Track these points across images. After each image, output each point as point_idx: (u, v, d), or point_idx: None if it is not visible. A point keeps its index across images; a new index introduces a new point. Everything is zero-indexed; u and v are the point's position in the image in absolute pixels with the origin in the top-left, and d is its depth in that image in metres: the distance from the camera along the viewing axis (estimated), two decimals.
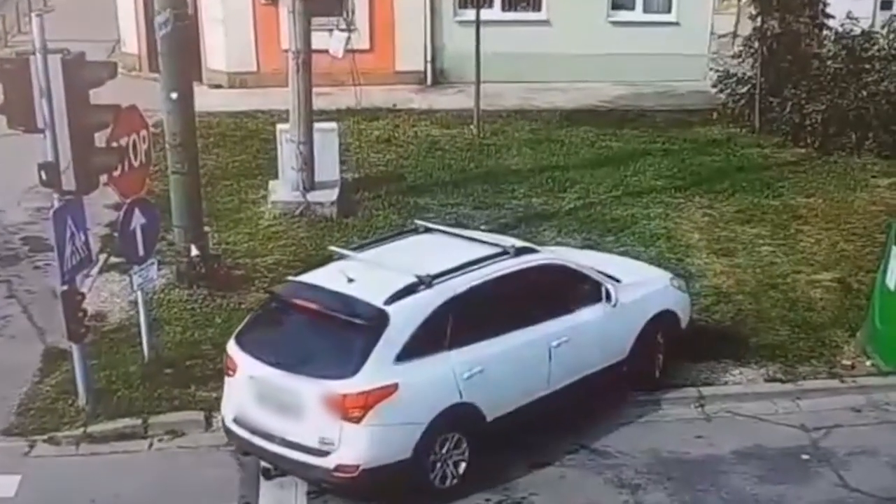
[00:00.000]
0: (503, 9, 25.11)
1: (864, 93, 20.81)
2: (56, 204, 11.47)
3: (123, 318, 14.10)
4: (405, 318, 10.60)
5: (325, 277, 11.27)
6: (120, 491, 11.01)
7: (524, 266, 11.66)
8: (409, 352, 10.52)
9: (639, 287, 12.74)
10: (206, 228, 15.21)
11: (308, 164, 17.58)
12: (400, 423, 10.38)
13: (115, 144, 11.86)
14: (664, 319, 12.75)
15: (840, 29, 21.93)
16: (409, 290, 10.79)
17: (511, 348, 11.21)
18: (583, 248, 16.32)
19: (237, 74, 24.60)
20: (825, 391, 13.01)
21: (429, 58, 25.07)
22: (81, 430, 11.90)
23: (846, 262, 16.12)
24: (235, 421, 10.94)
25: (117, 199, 12.72)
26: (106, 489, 11.03)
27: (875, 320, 13.55)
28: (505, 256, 11.63)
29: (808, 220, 17.70)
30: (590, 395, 12.05)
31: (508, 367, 11.13)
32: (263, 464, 11.05)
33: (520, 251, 11.82)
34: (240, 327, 11.54)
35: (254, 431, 10.73)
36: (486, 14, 22.15)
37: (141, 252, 12.30)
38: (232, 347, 11.12)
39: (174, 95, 14.25)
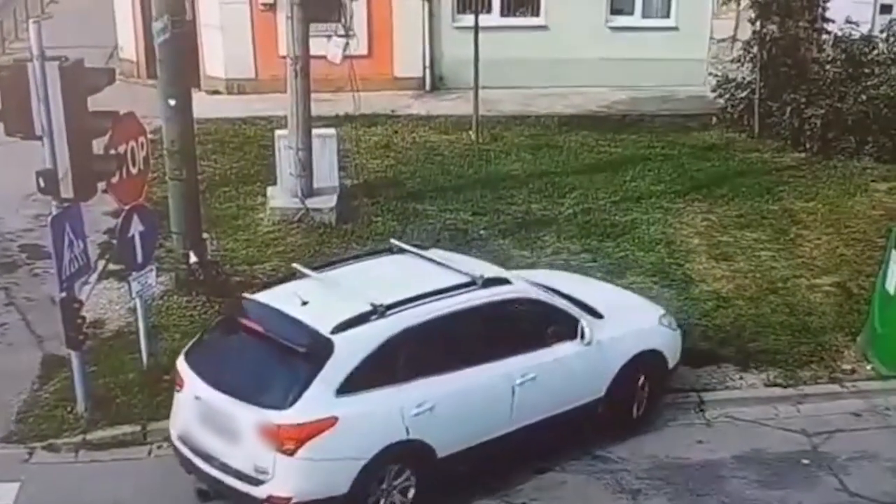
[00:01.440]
0: (502, 14, 25.06)
1: (864, 97, 20.79)
2: (54, 211, 11.46)
3: (122, 325, 14.07)
4: (351, 349, 10.17)
5: (280, 298, 10.86)
6: (119, 498, 10.99)
7: (490, 299, 11.10)
8: (353, 384, 10.09)
9: (621, 324, 12.08)
10: (205, 235, 15.18)
11: (307, 170, 17.55)
12: (337, 457, 9.99)
13: (113, 151, 11.85)
14: (648, 359, 12.08)
15: (839, 33, 21.92)
16: (360, 319, 10.35)
17: (468, 384, 10.70)
18: (581, 251, 16.40)
19: (235, 81, 24.56)
20: (825, 396, 13.01)
21: (427, 63, 25.03)
22: (80, 437, 11.88)
23: (846, 267, 16.11)
24: (180, 438, 10.69)
25: (116, 206, 12.71)
26: (105, 496, 11.01)
27: (875, 324, 13.54)
28: (471, 287, 11.08)
29: (808, 224, 17.68)
30: (559, 434, 11.55)
31: (464, 403, 10.65)
32: (199, 485, 10.74)
33: (488, 282, 11.21)
34: (190, 343, 11.32)
35: (195, 451, 10.47)
36: (484, 20, 22.13)
37: (139, 259, 12.29)
38: (181, 363, 10.85)
39: (172, 102, 14.22)
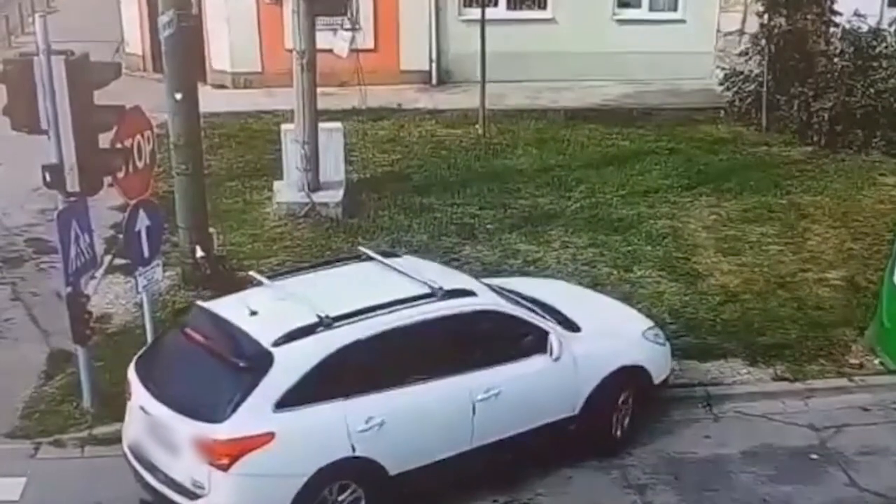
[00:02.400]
0: (508, 7, 25.06)
1: (872, 90, 20.75)
2: (60, 205, 11.43)
3: (128, 319, 14.06)
4: (292, 363, 9.80)
5: (229, 307, 10.55)
6: (125, 493, 10.94)
7: (449, 312, 10.62)
8: (294, 399, 9.71)
9: (600, 338, 11.59)
10: (211, 230, 15.16)
11: (313, 164, 17.54)
12: (274, 474, 9.64)
13: (119, 146, 11.79)
14: (630, 375, 11.56)
15: (847, 26, 21.84)
16: (305, 331, 9.98)
17: (422, 400, 10.29)
18: (588, 245, 16.36)
19: (241, 75, 24.58)
20: (833, 390, 12.95)
21: (433, 57, 25.03)
22: (87, 432, 11.87)
23: (854, 261, 16.06)
24: (130, 448, 10.49)
25: (122, 201, 12.68)
26: (111, 491, 10.96)
27: (883, 319, 13.49)
28: (430, 299, 10.63)
29: (816, 218, 17.64)
30: (527, 453, 11.13)
31: (418, 419, 10.25)
32: (142, 496, 10.43)
33: (449, 294, 10.72)
34: (140, 352, 11.12)
35: (141, 462, 10.26)
36: (491, 13, 22.07)
37: (146, 253, 12.24)
38: (131, 372, 10.60)
39: (178, 96, 14.20)
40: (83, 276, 12.02)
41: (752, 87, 22.24)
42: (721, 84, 23.03)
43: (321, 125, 17.81)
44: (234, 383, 9.74)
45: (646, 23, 25.26)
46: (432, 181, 19.02)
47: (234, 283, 14.42)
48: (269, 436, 9.58)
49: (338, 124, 18.58)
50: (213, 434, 9.53)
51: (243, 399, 9.61)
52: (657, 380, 11.91)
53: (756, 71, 22.20)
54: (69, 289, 11.60)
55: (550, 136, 21.50)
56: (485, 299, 11.10)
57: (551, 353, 10.97)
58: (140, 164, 12.10)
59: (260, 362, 9.75)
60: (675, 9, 25.45)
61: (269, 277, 11.20)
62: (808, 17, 21.78)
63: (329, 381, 9.90)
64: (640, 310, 13.38)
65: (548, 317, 11.45)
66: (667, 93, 24.37)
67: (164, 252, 13.69)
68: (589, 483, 11.21)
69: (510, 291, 11.96)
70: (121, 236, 13.27)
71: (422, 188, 18.63)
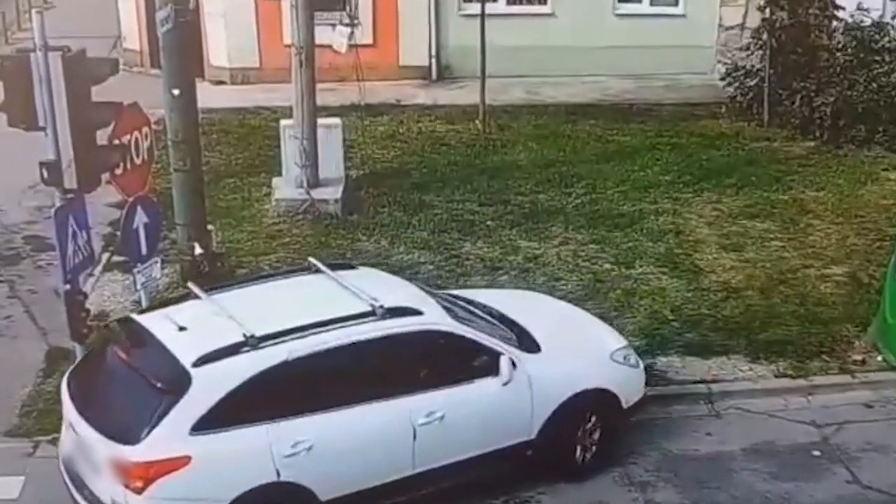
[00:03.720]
0: (508, 2, 24.97)
1: (875, 85, 20.70)
2: (58, 202, 11.35)
3: None
4: (212, 384, 9.45)
5: (160, 321, 10.18)
6: None
7: (389, 331, 10.17)
8: (213, 421, 9.38)
9: (561, 359, 11.05)
10: (210, 227, 15.09)
11: (312, 160, 17.48)
12: (190, 498, 9.34)
13: (116, 142, 11.74)
14: (595, 398, 11.04)
15: (850, 20, 21.81)
16: (228, 351, 9.61)
17: (356, 423, 9.89)
18: (589, 241, 16.31)
19: (240, 70, 24.52)
20: (836, 387, 12.91)
21: (433, 52, 24.98)
22: None
23: (856, 257, 16.00)
24: (63, 463, 10.24)
25: (119, 198, 12.63)
26: None
27: (886, 315, 13.43)
28: (369, 318, 10.18)
29: (818, 214, 17.58)
30: (478, 478, 10.66)
31: (351, 444, 9.86)
32: None
33: (391, 313, 10.25)
34: (73, 365, 10.86)
35: (70, 478, 10.04)
36: (490, 8, 22.02)
37: (143, 251, 12.18)
38: (62, 386, 10.38)
39: (176, 92, 14.11)
40: (81, 273, 11.96)
41: (754, 81, 22.18)
42: (722, 79, 22.98)
43: (320, 121, 17.76)
44: (150, 404, 9.42)
45: (646, 17, 25.19)
46: (432, 177, 18.95)
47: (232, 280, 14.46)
48: (185, 459, 9.27)
49: (337, 120, 18.54)
50: (127, 456, 9.28)
51: (159, 421, 9.32)
52: (627, 404, 11.33)
53: (758, 66, 22.14)
54: (67, 286, 11.52)
55: (551, 131, 21.45)
56: (431, 318, 10.54)
57: (501, 377, 10.47)
58: (138, 161, 12.04)
59: (178, 383, 9.43)
60: (675, 3, 25.36)
61: (207, 290, 10.73)
62: (811, 11, 21.77)
63: (252, 404, 9.52)
64: (622, 324, 13.35)
65: (506, 336, 10.99)
66: (668, 88, 24.34)
67: (162, 249, 13.64)
68: (590, 481, 11.13)
69: (475, 306, 11.59)
70: (118, 233, 13.22)
71: (421, 184, 18.57)
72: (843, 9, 21.93)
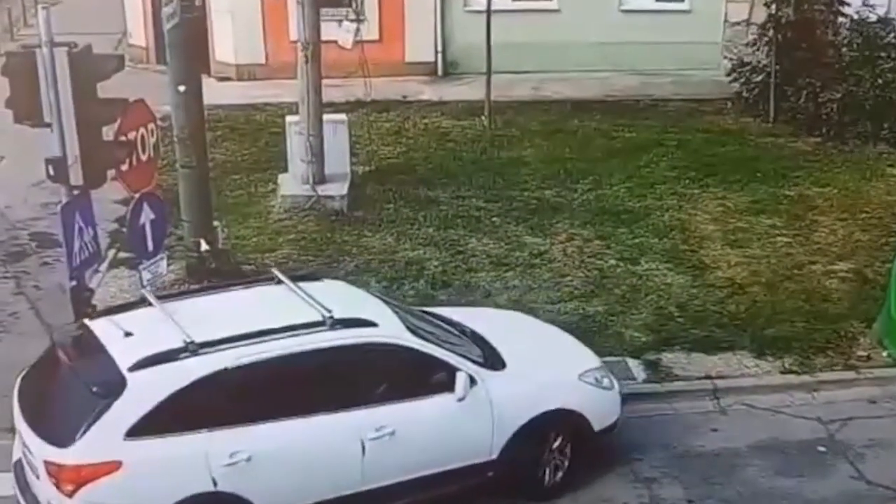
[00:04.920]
0: None
1: (881, 81, 20.68)
2: (64, 199, 11.37)
3: None
4: (147, 389, 9.28)
5: (107, 327, 10.01)
6: None
7: (337, 342, 9.91)
8: (148, 427, 9.20)
9: (525, 378, 10.70)
10: (216, 223, 15.11)
11: (318, 156, 17.48)
12: None
13: (122, 138, 11.74)
14: (562, 420, 10.74)
15: (856, 16, 21.77)
16: (165, 357, 9.44)
17: (300, 436, 9.68)
18: (595, 237, 16.31)
19: (246, 66, 24.51)
20: (841, 383, 12.93)
21: (439, 48, 24.96)
22: None
23: (862, 253, 15.99)
24: (14, 465, 10.16)
25: (125, 194, 12.64)
26: None
27: (891, 311, 13.41)
28: (317, 328, 9.92)
29: (824, 210, 17.57)
30: (436, 497, 10.34)
31: (293, 456, 9.65)
32: None
33: (341, 323, 9.99)
34: (26, 370, 10.59)
35: (18, 482, 9.99)
36: (496, 3, 21.95)
37: (150, 247, 12.18)
38: (15, 388, 10.24)
39: (182, 88, 14.14)
40: (87, 269, 11.96)
41: (760, 78, 22.16)
42: (728, 75, 22.97)
43: (326, 117, 17.75)
44: (86, 408, 9.29)
45: (652, 13, 25.14)
46: (438, 173, 18.96)
47: (239, 277, 14.47)
48: (116, 465, 9.14)
49: (343, 116, 18.54)
50: (59, 459, 9.18)
51: (91, 425, 9.17)
52: (598, 427, 10.98)
53: (764, 61, 22.13)
54: (73, 283, 11.53)
55: (556, 127, 21.45)
56: (384, 331, 10.24)
57: (456, 393, 10.16)
58: (144, 157, 12.04)
59: (112, 387, 9.29)
60: None
61: (161, 297, 10.61)
62: (816, 7, 21.74)
63: (190, 411, 9.36)
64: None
65: (469, 354, 10.69)
66: (673, 84, 24.30)
67: (168, 245, 13.63)
68: (595, 476, 11.11)
69: (447, 324, 11.36)
70: (125, 230, 13.24)
71: (427, 181, 18.57)
72: (849, 5, 21.91)
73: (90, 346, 9.86)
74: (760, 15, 22.70)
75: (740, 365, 13.12)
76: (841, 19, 22.05)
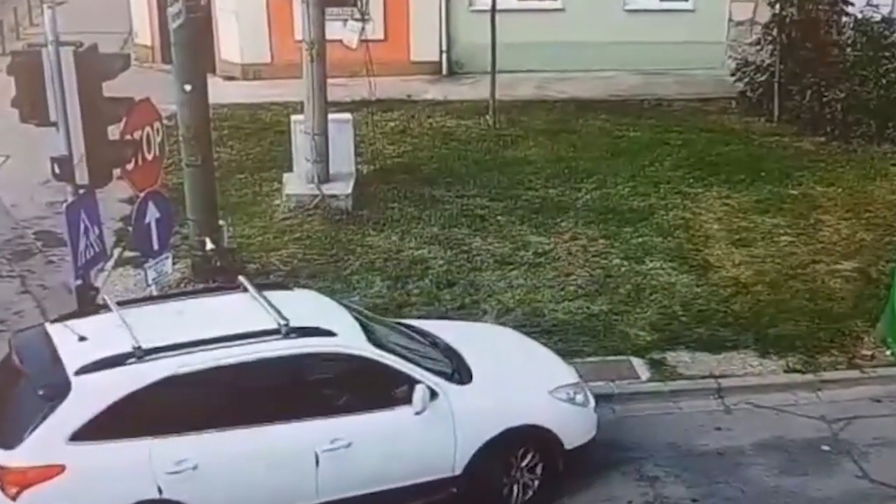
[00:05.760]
0: None
1: (884, 80, 20.65)
2: (69, 198, 11.40)
3: None
4: (93, 394, 9.21)
5: (62, 331, 9.93)
6: None
7: (292, 351, 9.74)
8: (93, 432, 9.14)
9: (492, 392, 10.45)
10: (221, 222, 15.14)
11: (323, 155, 17.50)
12: None
13: (128, 137, 11.78)
14: (531, 436, 10.45)
15: (860, 16, 21.75)
16: (112, 362, 9.34)
17: (249, 445, 9.52)
18: (599, 237, 16.31)
19: (251, 66, 24.55)
20: (845, 382, 12.92)
21: (444, 48, 24.99)
22: None
23: (866, 252, 15.98)
24: None
25: (131, 193, 12.67)
26: None
27: (895, 310, 13.41)
28: (272, 337, 9.75)
29: (828, 209, 17.55)
30: None
31: (242, 466, 9.51)
32: None
33: (297, 332, 9.81)
34: None
35: None
36: (501, 3, 21.92)
37: (155, 246, 12.23)
38: None
39: (188, 87, 14.16)
40: (92, 268, 12.03)
41: (764, 77, 22.14)
42: (732, 74, 22.92)
43: (331, 116, 17.77)
44: (32, 410, 9.27)
45: (656, 12, 25.14)
46: (442, 173, 18.97)
47: (244, 275, 14.48)
48: (60, 468, 9.08)
49: (347, 115, 18.56)
50: (3, 461, 9.14)
51: (36, 427, 9.16)
52: (570, 444, 10.63)
53: (768, 61, 22.10)
54: (78, 281, 11.57)
55: (561, 126, 21.45)
56: (342, 341, 10.03)
57: (413, 406, 9.92)
58: (149, 156, 12.09)
59: (57, 391, 9.24)
60: None
61: (121, 303, 10.52)
62: (821, 6, 21.70)
63: (135, 417, 9.29)
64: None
65: (435, 366, 10.49)
66: (678, 83, 24.29)
67: (173, 244, 13.71)
68: (599, 475, 11.13)
69: (420, 335, 11.21)
70: (130, 228, 13.26)
71: (432, 180, 18.59)
72: (853, 4, 21.87)
73: (44, 350, 9.80)
74: (764, 14, 22.66)
75: (744, 364, 13.11)
76: (845, 19, 22.00)
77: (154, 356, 9.42)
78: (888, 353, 13.35)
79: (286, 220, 16.98)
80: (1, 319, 13.91)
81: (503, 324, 13.52)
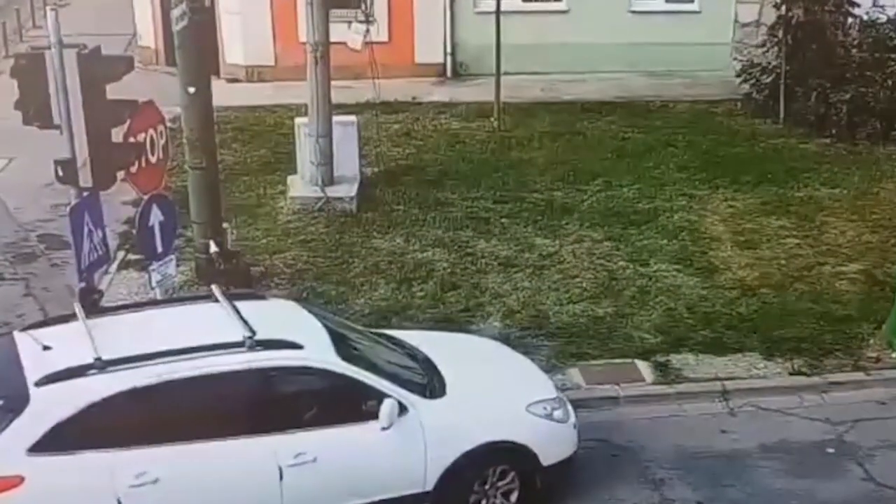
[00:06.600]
0: None
1: (890, 82, 20.63)
2: (73, 200, 11.40)
3: None
4: (51, 405, 9.10)
5: (29, 341, 9.79)
6: None
7: (256, 364, 9.57)
8: (52, 444, 9.03)
9: (465, 407, 10.26)
10: (225, 224, 15.13)
11: (327, 158, 17.50)
12: None
13: (132, 140, 11.78)
14: (505, 452, 10.25)
15: (866, 17, 21.73)
16: (72, 373, 9.20)
17: (211, 458, 9.39)
18: (604, 239, 16.28)
19: (255, 68, 24.56)
20: (850, 384, 12.87)
21: (448, 50, 24.98)
22: None
23: (871, 254, 15.95)
24: None
25: (135, 195, 12.66)
26: None
27: None
28: (235, 349, 9.58)
29: (834, 211, 17.52)
30: None
31: (204, 479, 9.37)
32: None
33: (262, 345, 9.64)
34: None
35: None
36: (506, 4, 21.97)
37: (159, 248, 12.23)
38: None
39: (191, 90, 14.14)
40: (96, 271, 12.03)
41: (770, 78, 22.12)
42: (738, 76, 22.92)
43: (335, 119, 17.78)
44: None
45: (662, 14, 25.14)
46: (447, 175, 18.95)
47: (248, 278, 14.50)
48: (19, 479, 8.97)
49: (352, 118, 18.56)
50: None
51: None
52: (547, 461, 10.40)
53: (773, 63, 22.08)
54: (82, 284, 11.58)
55: (566, 128, 21.43)
56: (308, 354, 9.85)
57: (381, 421, 9.72)
58: (153, 159, 12.09)
59: (17, 401, 9.14)
60: (691, 0, 25.30)
61: (94, 312, 10.37)
62: (826, 8, 21.69)
63: (95, 429, 9.16)
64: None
65: (408, 380, 10.32)
66: (683, 85, 24.28)
67: (177, 247, 13.67)
68: (604, 478, 11.12)
69: (399, 347, 11.07)
70: (134, 231, 13.26)
71: (436, 182, 18.58)
72: (859, 6, 21.88)
73: (8, 359, 9.68)
74: (770, 16, 22.65)
75: (750, 366, 13.08)
76: (851, 20, 22.02)
77: (115, 368, 9.28)
78: (894, 355, 13.31)
79: (290, 222, 16.97)
80: (4, 322, 13.90)
81: (507, 327, 13.50)
